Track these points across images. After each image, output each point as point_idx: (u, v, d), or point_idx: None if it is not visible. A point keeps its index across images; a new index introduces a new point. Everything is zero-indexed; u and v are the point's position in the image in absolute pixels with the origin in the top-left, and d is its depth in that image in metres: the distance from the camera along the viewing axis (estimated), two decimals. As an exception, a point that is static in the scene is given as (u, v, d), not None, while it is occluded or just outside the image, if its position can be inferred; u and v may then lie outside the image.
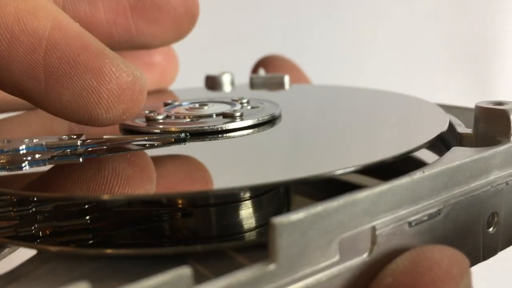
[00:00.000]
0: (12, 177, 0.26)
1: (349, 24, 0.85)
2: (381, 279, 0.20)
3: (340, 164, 0.23)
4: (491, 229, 0.27)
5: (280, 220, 0.18)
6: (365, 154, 0.26)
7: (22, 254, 0.25)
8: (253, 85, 0.50)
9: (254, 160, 0.27)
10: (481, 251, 0.27)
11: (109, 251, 0.23)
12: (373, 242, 0.21)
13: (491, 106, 0.28)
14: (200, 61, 0.81)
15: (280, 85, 0.49)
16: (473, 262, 0.26)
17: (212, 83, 0.51)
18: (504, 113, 0.28)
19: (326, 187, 0.32)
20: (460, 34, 0.87)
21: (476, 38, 0.87)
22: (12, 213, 0.27)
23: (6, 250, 0.24)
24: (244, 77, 0.64)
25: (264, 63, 0.55)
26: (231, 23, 0.82)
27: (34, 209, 0.27)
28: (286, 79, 0.49)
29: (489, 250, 0.27)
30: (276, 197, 0.29)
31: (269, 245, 0.18)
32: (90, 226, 0.27)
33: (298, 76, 0.54)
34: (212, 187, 0.22)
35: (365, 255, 0.21)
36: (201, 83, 0.81)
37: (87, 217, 0.27)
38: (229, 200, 0.26)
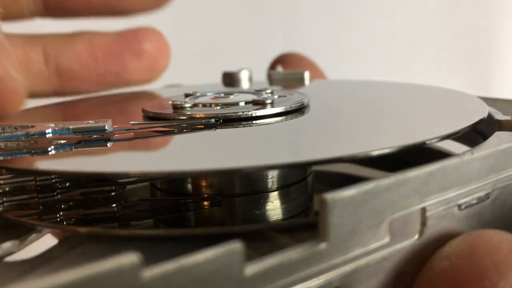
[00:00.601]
0: (37, 160, 0.25)
1: (349, 24, 0.85)
2: (436, 262, 0.19)
3: (382, 144, 0.22)
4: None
5: (332, 196, 0.17)
6: (403, 137, 0.25)
7: (49, 240, 0.24)
8: (271, 81, 0.49)
9: (294, 143, 0.26)
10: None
11: (143, 231, 0.22)
12: (424, 223, 0.20)
13: (532, 91, 0.27)
14: (200, 61, 0.80)
15: (300, 81, 0.48)
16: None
17: (230, 79, 0.50)
18: (547, 98, 0.27)
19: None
20: (461, 33, 0.87)
21: (477, 37, 0.87)
22: (36, 199, 0.26)
23: (34, 235, 0.23)
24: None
25: (281, 60, 0.54)
26: (231, 23, 0.82)
27: (59, 196, 0.26)
28: (307, 75, 0.48)
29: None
30: (306, 187, 0.28)
31: (320, 222, 0.17)
32: (117, 214, 0.26)
33: (317, 74, 0.53)
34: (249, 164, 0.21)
35: (416, 237, 0.20)
36: (202, 80, 0.80)
37: (114, 205, 0.26)
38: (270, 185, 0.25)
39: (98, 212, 0.26)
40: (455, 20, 0.86)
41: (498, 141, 0.24)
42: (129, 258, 0.14)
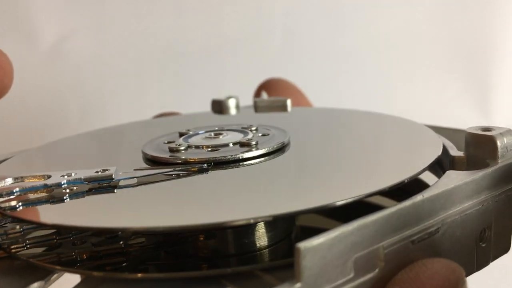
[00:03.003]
0: (55, 209, 0.29)
1: (349, 24, 0.87)
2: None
3: (344, 194, 0.26)
4: (482, 243, 0.30)
5: (304, 244, 0.21)
6: (368, 183, 0.29)
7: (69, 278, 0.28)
8: (257, 108, 0.53)
9: (273, 189, 0.30)
10: (475, 263, 0.30)
11: (146, 275, 0.26)
12: (382, 259, 0.24)
13: (480, 132, 0.32)
14: (200, 61, 0.83)
15: (283, 107, 0.52)
16: (468, 273, 0.29)
17: (219, 107, 0.54)
18: (492, 139, 0.31)
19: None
20: (460, 35, 0.88)
21: (475, 38, 0.89)
22: (55, 240, 0.30)
23: (55, 275, 0.27)
24: (245, 78, 0.66)
25: (266, 86, 0.58)
26: (231, 23, 0.84)
27: (73, 237, 0.30)
28: (288, 102, 0.52)
29: (482, 262, 0.30)
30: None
31: (295, 267, 0.22)
32: (124, 250, 0.30)
33: (299, 98, 0.57)
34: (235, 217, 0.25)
35: (376, 271, 0.24)
36: (202, 82, 0.82)
37: (121, 242, 0.30)
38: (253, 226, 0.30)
39: (107, 248, 0.30)
40: (454, 22, 0.88)
41: (448, 181, 0.28)
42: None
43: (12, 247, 0.29)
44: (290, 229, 0.32)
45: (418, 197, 0.26)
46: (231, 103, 0.54)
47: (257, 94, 0.59)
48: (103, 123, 0.47)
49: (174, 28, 0.81)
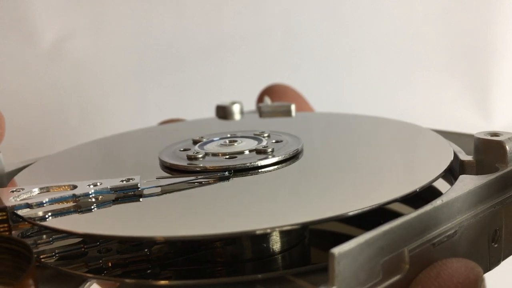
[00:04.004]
0: (85, 219, 0.29)
1: (348, 25, 0.88)
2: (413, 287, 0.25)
3: (365, 202, 0.28)
4: (494, 243, 0.31)
5: (338, 250, 0.23)
6: (381, 193, 0.30)
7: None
8: (261, 113, 0.54)
9: (299, 196, 0.31)
10: (488, 262, 0.31)
11: (176, 282, 0.27)
12: (407, 262, 0.26)
13: (488, 137, 0.33)
14: (200, 61, 0.83)
15: (287, 113, 0.53)
16: (482, 272, 0.31)
17: (223, 112, 0.55)
18: (501, 144, 0.33)
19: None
20: (459, 35, 0.89)
21: (475, 38, 0.89)
22: (83, 249, 0.31)
23: (88, 283, 0.28)
24: (245, 78, 0.66)
25: (268, 92, 0.59)
26: (231, 23, 0.85)
27: (100, 245, 0.31)
28: (293, 107, 0.53)
29: (494, 261, 0.32)
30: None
31: (329, 271, 0.23)
32: (150, 257, 0.31)
33: (301, 103, 0.58)
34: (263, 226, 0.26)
35: (402, 273, 0.26)
36: (201, 82, 0.82)
37: (146, 250, 0.31)
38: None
39: (133, 256, 0.31)
40: (453, 22, 0.88)
41: (463, 185, 0.30)
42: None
43: (42, 256, 0.30)
44: (304, 233, 0.33)
45: (438, 201, 0.27)
46: (235, 108, 0.55)
47: (260, 99, 0.60)
48: (103, 123, 0.47)
49: (174, 28, 0.81)
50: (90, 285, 0.28)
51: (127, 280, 0.28)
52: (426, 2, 0.87)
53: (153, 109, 0.58)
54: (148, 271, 0.31)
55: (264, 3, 0.85)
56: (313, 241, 0.34)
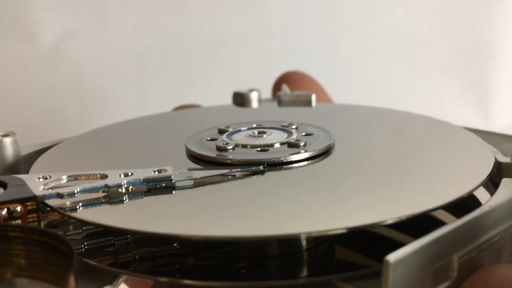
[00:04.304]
0: (117, 211, 0.28)
1: (349, 24, 0.87)
2: None
3: (408, 208, 0.26)
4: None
5: (393, 257, 0.22)
6: (425, 199, 0.29)
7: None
8: (280, 102, 0.53)
9: (341, 196, 0.30)
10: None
11: (216, 283, 0.26)
12: (455, 270, 0.25)
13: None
14: (200, 61, 0.82)
15: (307, 103, 0.52)
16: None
17: (241, 100, 0.54)
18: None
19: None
20: (459, 35, 0.88)
21: (475, 38, 0.89)
22: (112, 241, 0.30)
23: (121, 279, 0.27)
24: (245, 78, 0.65)
25: (285, 79, 0.58)
26: (232, 23, 0.84)
27: (130, 238, 0.30)
28: (313, 97, 0.52)
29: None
30: None
31: (383, 278, 0.22)
32: (179, 252, 0.30)
33: (319, 92, 0.57)
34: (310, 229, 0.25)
35: (449, 280, 0.25)
36: (201, 82, 0.82)
37: (175, 244, 0.30)
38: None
39: (163, 249, 0.30)
40: (453, 22, 0.88)
41: (508, 189, 0.29)
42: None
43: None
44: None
45: (486, 207, 0.26)
46: (254, 96, 0.54)
47: (276, 87, 0.59)
48: (103, 123, 0.46)
49: (174, 28, 0.81)
50: (122, 281, 0.27)
51: (161, 279, 0.27)
52: (426, 2, 0.87)
53: (153, 109, 0.57)
54: (177, 265, 0.31)
55: (264, 3, 0.84)
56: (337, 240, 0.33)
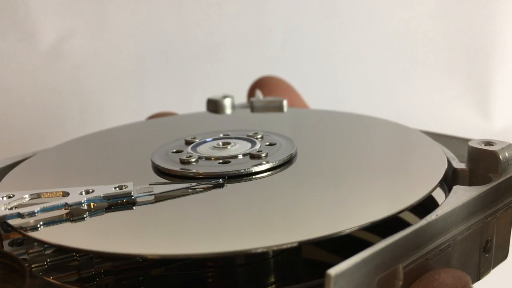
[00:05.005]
0: (77, 229, 0.29)
1: (348, 24, 0.87)
2: None
3: (354, 221, 0.27)
4: (485, 253, 0.32)
5: (335, 271, 0.23)
6: (376, 209, 0.30)
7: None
8: (253, 108, 0.54)
9: (296, 207, 0.31)
10: (479, 272, 0.32)
11: None
12: (401, 279, 0.26)
13: (482, 146, 0.33)
14: (200, 61, 0.83)
15: (279, 108, 0.53)
16: (472, 281, 0.31)
17: (214, 106, 0.54)
18: (494, 154, 0.33)
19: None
20: (459, 35, 0.89)
21: (475, 38, 0.89)
22: (75, 257, 0.30)
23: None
24: (245, 78, 0.66)
25: (260, 84, 0.59)
26: (231, 23, 0.84)
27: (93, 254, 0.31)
28: (285, 103, 0.53)
29: (484, 270, 0.32)
30: None
31: (326, 292, 0.23)
32: (142, 265, 0.31)
33: (293, 97, 0.58)
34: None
35: (396, 288, 0.26)
36: (201, 82, 0.83)
37: (138, 257, 0.31)
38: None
39: (125, 263, 0.31)
40: (453, 22, 0.88)
41: (457, 197, 0.30)
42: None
43: (33, 265, 0.30)
44: None
45: (432, 216, 0.27)
46: (227, 102, 0.55)
47: (251, 92, 0.60)
48: (103, 122, 0.47)
49: (174, 28, 0.81)
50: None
51: None
52: (426, 2, 0.87)
53: (153, 109, 0.58)
54: (141, 278, 0.31)
55: (264, 3, 0.84)
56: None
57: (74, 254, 0.30)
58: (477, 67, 0.90)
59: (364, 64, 0.88)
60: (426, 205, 0.32)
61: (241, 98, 0.56)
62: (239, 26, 0.84)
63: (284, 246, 0.25)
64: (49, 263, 0.30)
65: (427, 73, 0.89)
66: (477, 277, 0.32)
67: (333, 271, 0.23)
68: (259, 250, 0.25)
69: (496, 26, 0.89)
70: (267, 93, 0.58)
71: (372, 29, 0.87)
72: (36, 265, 0.30)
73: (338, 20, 0.87)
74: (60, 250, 0.31)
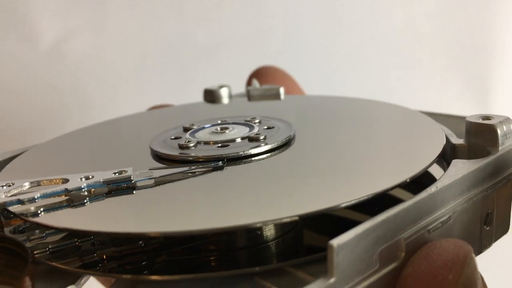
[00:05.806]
0: (78, 213, 0.29)
1: (349, 25, 0.88)
2: (404, 270, 0.26)
3: (363, 191, 0.27)
4: (486, 226, 0.32)
5: (337, 241, 0.23)
6: (374, 183, 0.30)
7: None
8: (250, 97, 0.54)
9: (295, 186, 0.31)
10: (480, 245, 0.32)
11: (174, 277, 0.27)
12: (403, 250, 0.26)
13: (480, 121, 0.33)
14: (200, 60, 0.84)
15: (276, 96, 0.53)
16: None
17: (211, 96, 0.55)
18: (492, 127, 0.33)
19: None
20: (459, 35, 0.89)
21: (475, 38, 0.90)
22: (77, 243, 0.30)
23: (84, 278, 0.27)
24: (243, 79, 0.66)
25: (257, 74, 0.59)
26: (231, 23, 0.85)
27: (94, 239, 0.31)
28: (281, 90, 0.53)
29: (486, 244, 0.32)
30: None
31: (328, 263, 0.23)
32: (145, 249, 0.31)
33: (290, 85, 0.58)
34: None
35: (398, 260, 0.26)
36: (201, 82, 0.83)
37: (140, 242, 0.31)
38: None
39: (128, 248, 0.31)
40: (453, 22, 0.89)
41: (456, 170, 0.30)
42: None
43: (35, 252, 0.29)
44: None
45: (432, 188, 0.27)
46: (223, 92, 0.55)
47: (249, 82, 0.60)
48: None
49: (174, 28, 0.81)
50: (86, 281, 0.28)
51: (123, 276, 0.27)
52: (426, 2, 0.88)
53: None
54: (143, 263, 0.31)
55: (264, 3, 0.85)
56: (305, 224, 0.34)
57: (76, 240, 0.30)
58: (477, 67, 0.91)
59: (364, 64, 0.88)
60: (425, 184, 0.32)
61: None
62: (239, 26, 0.85)
63: (284, 220, 0.25)
64: (51, 250, 0.30)
65: (428, 73, 0.90)
66: (479, 250, 0.32)
67: (335, 241, 0.23)
68: (259, 225, 0.25)
69: (496, 26, 0.89)
70: (264, 82, 0.58)
71: (372, 29, 0.88)
72: (38, 251, 0.30)
73: (338, 20, 0.88)
74: (63, 237, 0.31)
